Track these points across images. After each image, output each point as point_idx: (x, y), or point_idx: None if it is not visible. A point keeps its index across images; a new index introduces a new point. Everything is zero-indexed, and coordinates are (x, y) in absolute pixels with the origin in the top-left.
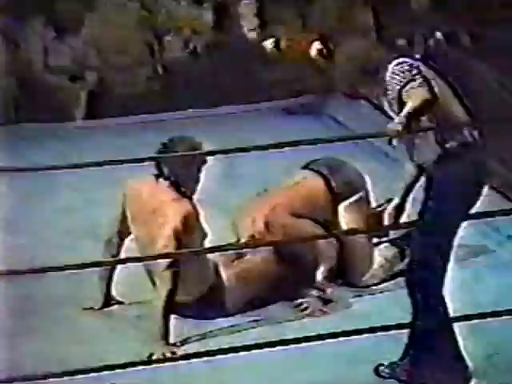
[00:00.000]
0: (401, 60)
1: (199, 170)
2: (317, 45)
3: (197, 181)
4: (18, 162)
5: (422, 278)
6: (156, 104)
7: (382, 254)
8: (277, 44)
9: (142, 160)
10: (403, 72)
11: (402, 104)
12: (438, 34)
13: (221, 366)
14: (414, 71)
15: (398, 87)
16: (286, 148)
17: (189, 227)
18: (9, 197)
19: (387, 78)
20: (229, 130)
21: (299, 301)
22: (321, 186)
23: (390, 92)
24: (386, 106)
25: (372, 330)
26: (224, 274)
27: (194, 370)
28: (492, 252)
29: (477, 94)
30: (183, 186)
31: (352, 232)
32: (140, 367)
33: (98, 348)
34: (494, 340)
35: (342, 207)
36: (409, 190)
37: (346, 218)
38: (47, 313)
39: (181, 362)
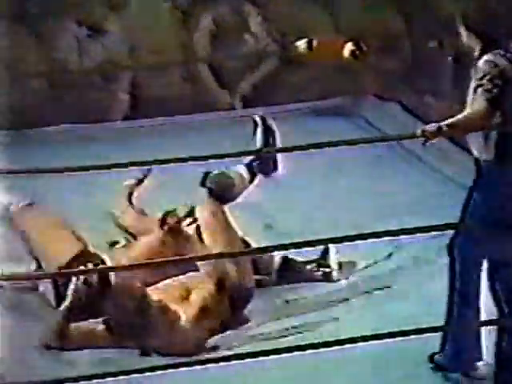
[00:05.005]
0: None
1: None
2: (350, 46)
3: None
4: (55, 164)
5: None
6: (192, 105)
7: None
8: (309, 44)
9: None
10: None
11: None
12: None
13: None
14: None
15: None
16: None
17: None
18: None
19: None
20: None
21: None
22: None
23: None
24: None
25: (404, 333)
26: None
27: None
28: None
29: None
30: None
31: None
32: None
33: None
34: None
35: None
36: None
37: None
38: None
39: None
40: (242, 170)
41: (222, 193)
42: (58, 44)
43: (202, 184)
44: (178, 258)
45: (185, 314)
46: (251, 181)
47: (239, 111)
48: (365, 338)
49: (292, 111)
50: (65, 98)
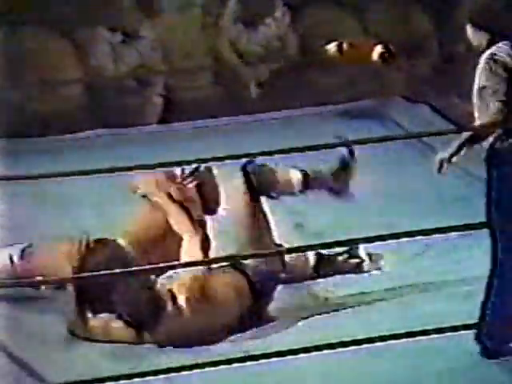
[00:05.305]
0: (493, 51)
1: None
2: (379, 48)
3: None
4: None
5: None
6: (220, 108)
7: None
8: (339, 47)
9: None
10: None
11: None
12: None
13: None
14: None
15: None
16: None
17: None
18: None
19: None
20: (291, 135)
21: None
22: None
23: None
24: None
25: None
26: None
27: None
28: None
29: None
30: None
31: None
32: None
33: None
34: None
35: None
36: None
37: None
38: None
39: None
40: (294, 173)
41: (260, 182)
42: (93, 50)
43: (243, 169)
44: (204, 260)
45: (179, 293)
46: (301, 191)
47: (271, 114)
48: (402, 336)
49: (321, 113)
50: (101, 103)
